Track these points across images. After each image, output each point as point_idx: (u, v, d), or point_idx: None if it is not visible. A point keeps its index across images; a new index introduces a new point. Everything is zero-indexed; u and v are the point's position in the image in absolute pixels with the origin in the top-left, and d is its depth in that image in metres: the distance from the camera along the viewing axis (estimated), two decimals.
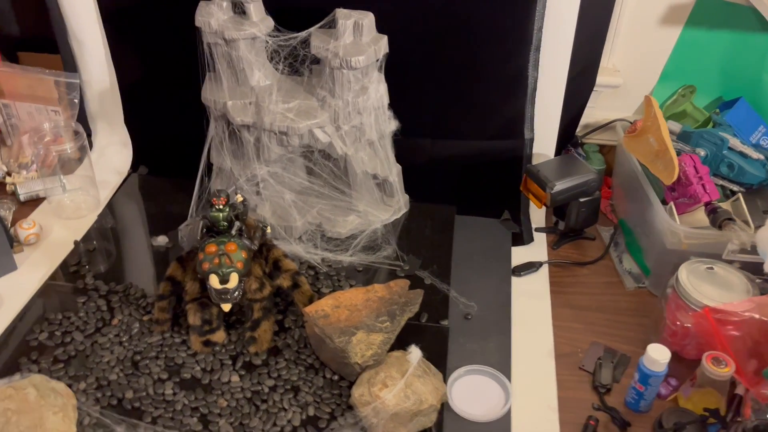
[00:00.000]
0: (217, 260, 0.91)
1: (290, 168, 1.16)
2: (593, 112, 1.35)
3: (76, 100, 1.33)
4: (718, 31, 1.23)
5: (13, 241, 1.13)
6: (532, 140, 1.24)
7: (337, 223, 1.20)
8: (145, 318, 1.03)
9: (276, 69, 1.13)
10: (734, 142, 1.08)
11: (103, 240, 1.19)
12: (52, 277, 1.10)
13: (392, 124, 1.16)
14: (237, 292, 0.94)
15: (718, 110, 1.23)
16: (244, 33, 1.06)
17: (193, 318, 0.97)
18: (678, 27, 1.24)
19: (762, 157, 1.07)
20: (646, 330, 1.05)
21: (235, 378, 0.94)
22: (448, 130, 1.25)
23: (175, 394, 0.91)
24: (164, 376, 0.94)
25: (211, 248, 0.92)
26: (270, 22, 1.09)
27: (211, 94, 1.12)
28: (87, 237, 1.20)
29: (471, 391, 0.93)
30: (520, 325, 1.05)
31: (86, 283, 1.09)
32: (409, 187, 1.26)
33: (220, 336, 0.98)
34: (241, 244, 0.94)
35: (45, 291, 1.07)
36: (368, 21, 1.05)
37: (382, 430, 0.85)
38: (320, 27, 1.08)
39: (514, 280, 1.14)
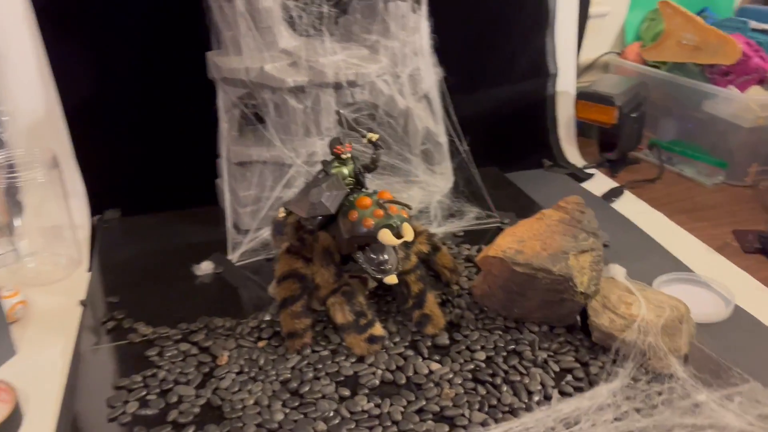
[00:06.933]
0: (380, 211, 0.68)
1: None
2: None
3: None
4: None
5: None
6: (555, 76, 1.18)
7: (403, 199, 1.00)
8: (261, 344, 0.73)
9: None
10: (753, 24, 1.13)
11: (124, 290, 0.85)
12: (78, 346, 0.75)
13: (437, 72, 1.02)
14: (398, 259, 0.71)
15: None
16: None
17: (343, 314, 0.71)
18: None
19: None
20: (758, 208, 1.03)
21: (435, 365, 0.70)
22: (472, 79, 1.14)
23: (378, 406, 0.64)
24: (346, 392, 0.66)
25: (366, 201, 0.69)
26: None
27: (233, 64, 0.89)
28: (92, 294, 0.85)
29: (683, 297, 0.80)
30: (659, 237, 0.95)
31: (144, 334, 0.75)
32: None
33: (379, 329, 0.73)
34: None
35: (86, 361, 0.72)
36: None
37: (665, 348, 0.68)
38: None
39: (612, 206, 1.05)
